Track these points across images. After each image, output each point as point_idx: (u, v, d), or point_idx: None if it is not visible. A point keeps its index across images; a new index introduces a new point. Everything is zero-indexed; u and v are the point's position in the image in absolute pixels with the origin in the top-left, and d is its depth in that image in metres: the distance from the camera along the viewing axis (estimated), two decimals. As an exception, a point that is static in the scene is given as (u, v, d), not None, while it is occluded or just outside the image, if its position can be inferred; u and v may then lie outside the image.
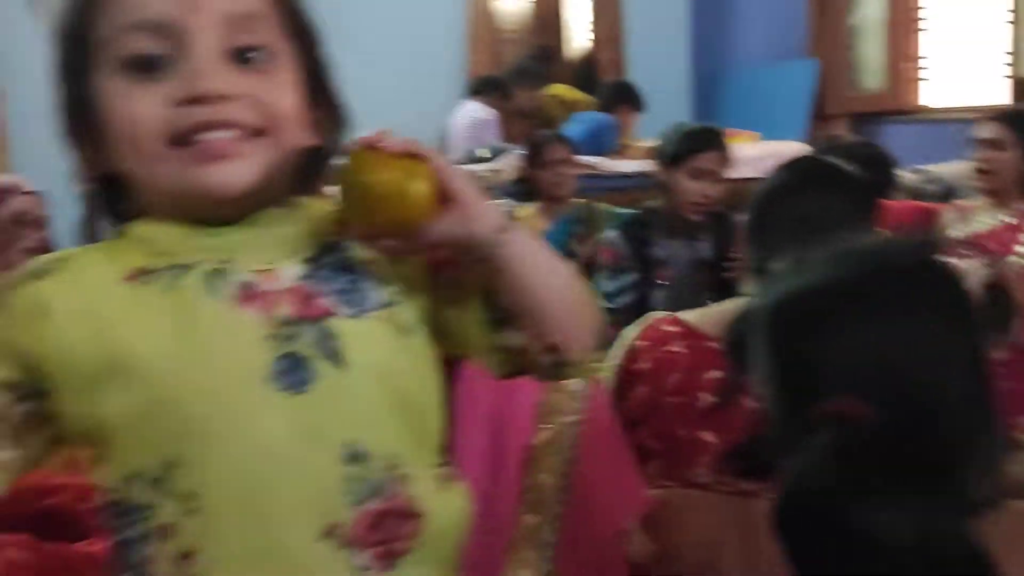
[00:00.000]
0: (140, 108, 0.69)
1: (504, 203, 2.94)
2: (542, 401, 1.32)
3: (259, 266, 0.73)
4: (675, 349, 1.39)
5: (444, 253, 0.76)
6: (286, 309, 0.72)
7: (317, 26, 0.77)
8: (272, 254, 0.74)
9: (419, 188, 0.70)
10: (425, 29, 4.80)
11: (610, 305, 2.60)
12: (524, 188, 3.18)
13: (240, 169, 0.70)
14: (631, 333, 1.50)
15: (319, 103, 0.77)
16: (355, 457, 0.72)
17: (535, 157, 3.11)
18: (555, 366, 0.79)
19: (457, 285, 0.78)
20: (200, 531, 0.70)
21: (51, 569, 1.73)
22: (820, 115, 4.59)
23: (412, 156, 0.71)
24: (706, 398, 1.34)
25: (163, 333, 0.70)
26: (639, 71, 4.99)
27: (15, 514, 1.91)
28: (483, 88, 4.22)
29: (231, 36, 0.70)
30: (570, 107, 4.44)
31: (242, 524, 0.70)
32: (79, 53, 0.72)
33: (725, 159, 2.56)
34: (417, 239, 0.72)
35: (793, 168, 1.52)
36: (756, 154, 3.69)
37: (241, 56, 0.71)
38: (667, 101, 4.61)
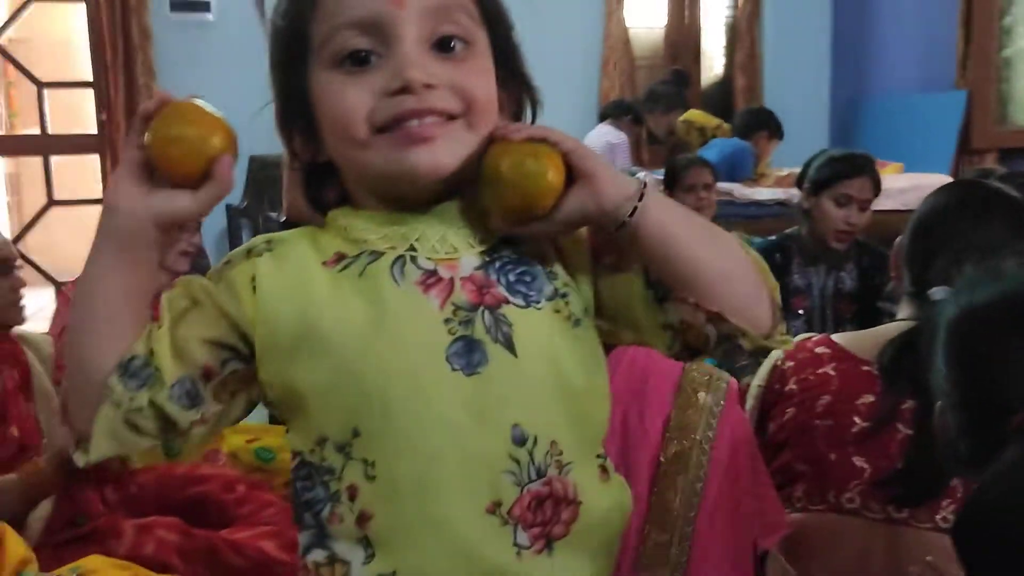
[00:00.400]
0: (352, 99, 0.74)
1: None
2: (672, 416, 1.30)
3: (442, 255, 0.77)
4: (826, 371, 1.37)
5: (584, 230, 0.81)
6: (464, 296, 0.76)
7: (506, 13, 0.81)
8: (454, 244, 0.78)
9: (542, 168, 0.73)
10: (562, 53, 4.86)
11: (743, 332, 2.57)
12: None
13: (444, 150, 0.74)
14: (777, 354, 1.48)
15: (509, 87, 0.81)
16: (522, 439, 0.75)
17: (676, 180, 3.10)
18: (726, 339, 0.78)
19: (617, 267, 0.80)
20: (377, 496, 0.74)
21: (197, 551, 1.82)
22: (967, 148, 4.43)
23: (537, 140, 0.74)
24: (858, 422, 1.31)
25: (355, 313, 0.75)
26: (776, 98, 4.92)
27: (167, 499, 2.03)
28: (615, 112, 4.23)
29: (433, 27, 0.74)
30: (704, 132, 4.41)
31: (414, 493, 0.74)
32: (296, 50, 0.78)
33: (874, 187, 2.49)
34: (552, 218, 0.75)
35: (953, 191, 1.48)
36: (900, 186, 3.59)
37: (443, 45, 0.75)
38: (805, 129, 4.53)
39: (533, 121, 0.83)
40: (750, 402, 1.44)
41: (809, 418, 1.34)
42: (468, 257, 0.78)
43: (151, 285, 0.77)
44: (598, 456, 0.82)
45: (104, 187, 4.36)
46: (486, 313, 0.76)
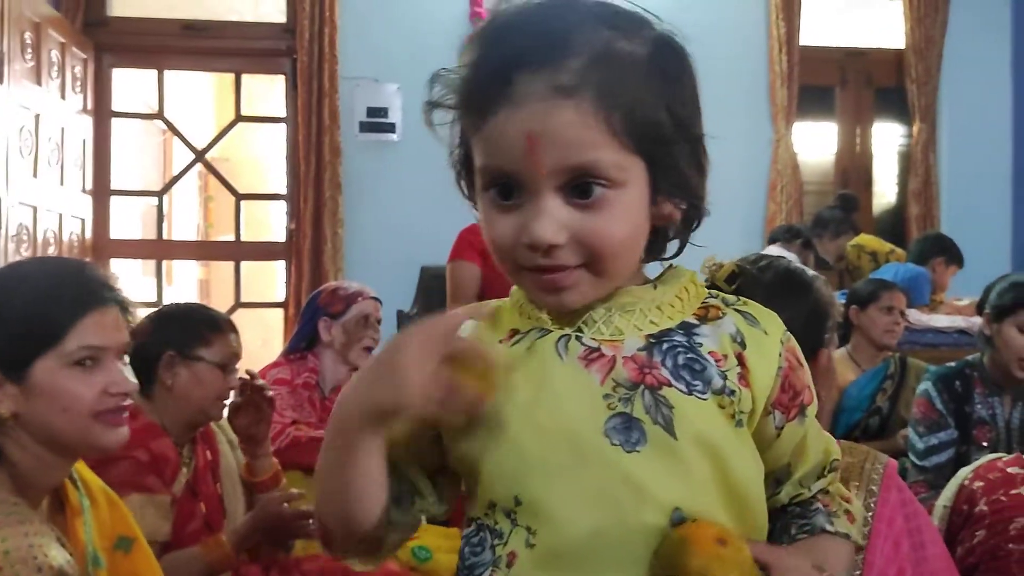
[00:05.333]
0: (498, 232, 0.79)
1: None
2: None
3: (607, 336, 0.80)
4: (1020, 492, 1.30)
5: (776, 382, 0.83)
6: (625, 373, 0.78)
7: (673, 125, 0.78)
8: (620, 327, 0.80)
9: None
10: (729, 176, 4.90)
11: (921, 463, 2.45)
12: (839, 333, 3.10)
13: (573, 296, 0.79)
14: (965, 473, 1.43)
15: (677, 198, 0.81)
16: (682, 523, 0.76)
17: (872, 300, 3.05)
18: None
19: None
20: (534, 564, 0.77)
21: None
22: None
23: (724, 542, 0.74)
24: (1057, 547, 1.23)
25: (521, 386, 0.79)
26: (954, 227, 4.77)
27: None
28: (786, 236, 4.20)
29: (570, 180, 0.75)
30: (876, 258, 4.30)
31: (572, 564, 0.76)
32: (463, 169, 0.85)
33: (1060, 313, 2.36)
34: None
35: None
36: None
37: (580, 191, 0.75)
38: (984, 260, 4.35)
39: (693, 228, 0.85)
40: (935, 523, 1.37)
41: (1002, 541, 1.27)
42: (632, 339, 0.80)
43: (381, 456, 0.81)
44: None
45: (288, 292, 4.65)
46: (647, 393, 0.77)
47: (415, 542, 2.43)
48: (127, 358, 1.39)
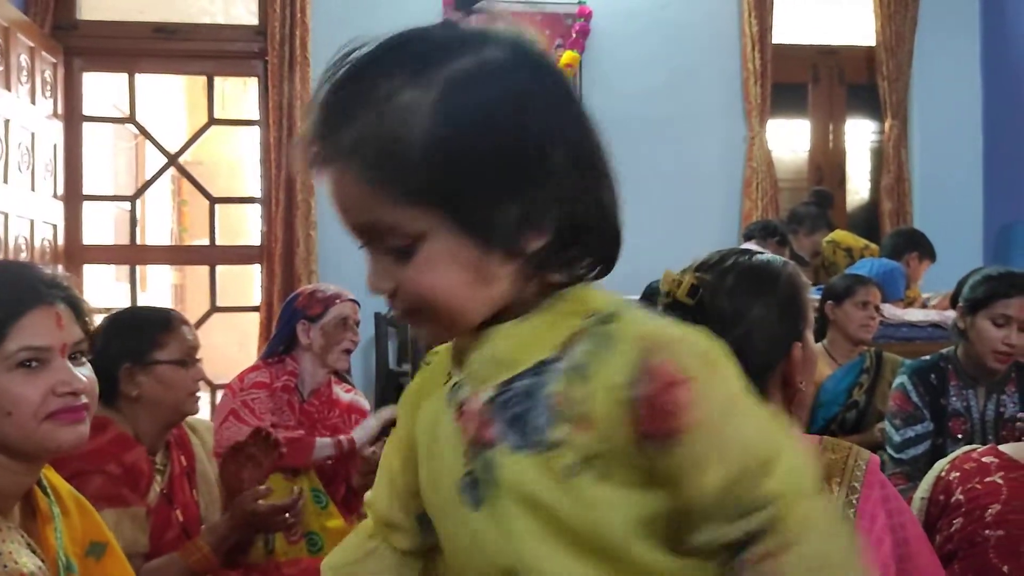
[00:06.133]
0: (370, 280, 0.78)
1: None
2: None
3: (476, 385, 0.78)
4: (994, 480, 1.32)
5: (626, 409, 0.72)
6: (472, 431, 0.77)
7: (468, 164, 0.71)
8: (486, 374, 0.77)
9: None
10: (704, 174, 4.94)
11: (898, 455, 2.47)
12: (815, 327, 3.13)
13: (430, 336, 0.81)
14: (942, 465, 1.44)
15: (515, 230, 0.73)
16: None
17: (848, 295, 3.09)
18: None
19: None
20: None
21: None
22: None
23: None
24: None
25: (428, 433, 0.83)
26: (926, 222, 4.82)
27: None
28: (762, 233, 4.22)
29: (373, 239, 0.74)
30: (851, 253, 4.33)
31: None
32: None
33: (1035, 306, 2.39)
34: None
35: None
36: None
37: (394, 250, 0.73)
38: (957, 254, 4.39)
39: (584, 238, 0.76)
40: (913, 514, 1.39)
41: (979, 528, 1.29)
42: (486, 389, 0.76)
43: None
44: None
45: (262, 296, 4.62)
46: (482, 451, 0.75)
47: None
48: (86, 358, 1.36)
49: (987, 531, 1.28)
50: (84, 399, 1.30)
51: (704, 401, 0.69)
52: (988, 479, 1.32)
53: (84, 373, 1.33)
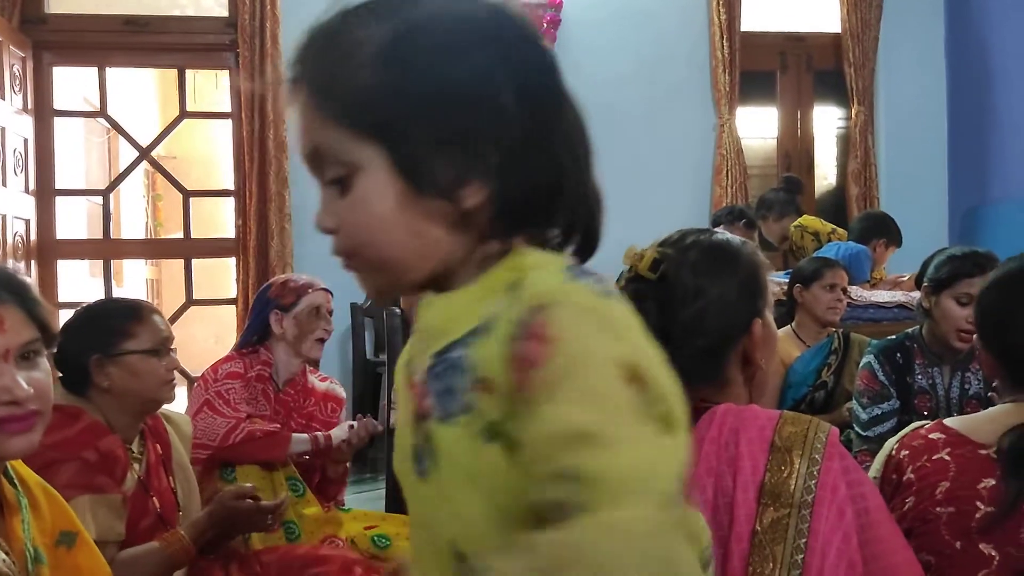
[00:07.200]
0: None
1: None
2: (766, 481, 1.14)
3: (419, 356, 0.78)
4: (942, 457, 1.34)
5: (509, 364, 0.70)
6: (415, 402, 0.77)
7: (410, 107, 0.71)
8: (425, 345, 0.77)
9: None
10: (675, 161, 4.98)
11: (865, 433, 2.52)
12: (784, 310, 3.18)
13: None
14: (891, 444, 1.45)
15: (450, 176, 0.72)
16: (459, 556, 0.72)
17: (815, 278, 3.14)
18: None
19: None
20: None
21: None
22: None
23: None
24: (981, 507, 1.28)
25: (399, 406, 0.83)
26: (892, 207, 4.88)
27: (288, 578, 2.10)
28: (728, 218, 4.26)
29: (321, 169, 0.75)
30: (819, 238, 4.39)
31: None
32: None
33: (996, 284, 2.44)
34: None
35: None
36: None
37: (339, 182, 0.74)
38: (922, 237, 4.46)
39: (523, 197, 0.74)
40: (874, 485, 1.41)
41: (929, 506, 1.31)
42: (425, 360, 0.75)
43: None
44: None
45: (238, 288, 4.62)
46: (422, 424, 0.75)
47: (375, 531, 2.45)
48: (42, 356, 1.29)
49: (938, 508, 1.29)
50: (33, 405, 1.23)
51: (558, 361, 0.64)
52: (936, 456, 1.34)
53: (35, 375, 1.25)
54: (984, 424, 1.37)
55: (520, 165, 0.72)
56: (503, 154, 0.72)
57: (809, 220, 4.53)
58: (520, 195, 0.73)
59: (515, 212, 0.74)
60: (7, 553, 1.21)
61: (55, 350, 1.87)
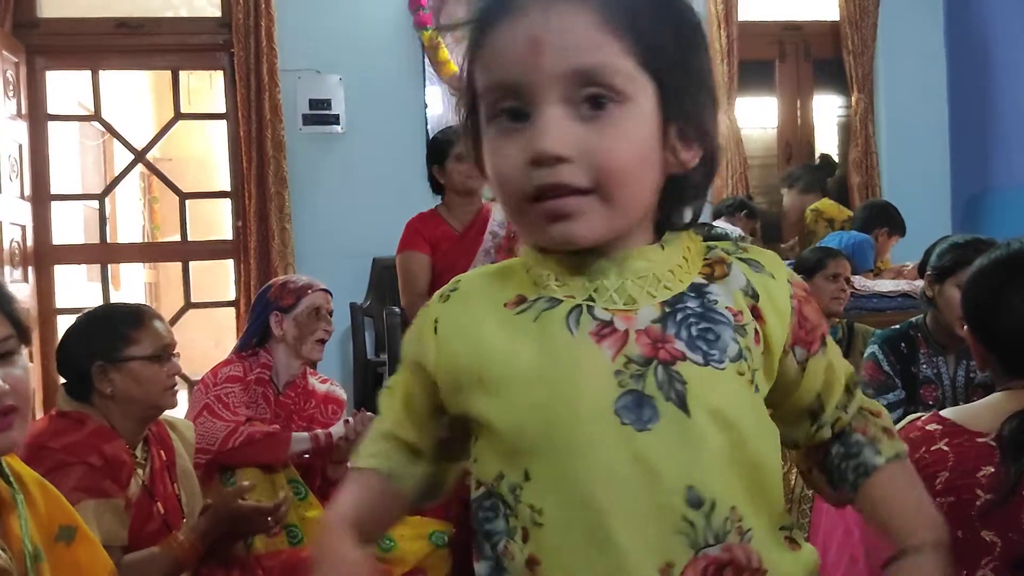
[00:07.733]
0: (505, 166, 0.75)
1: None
2: None
3: (620, 306, 0.77)
4: (940, 447, 1.33)
5: (791, 311, 0.84)
6: (638, 349, 0.75)
7: (682, 52, 0.77)
8: (633, 295, 0.77)
9: None
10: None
11: (870, 424, 2.49)
12: None
13: (580, 228, 0.74)
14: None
15: (690, 136, 0.78)
16: (698, 502, 0.73)
17: (818, 268, 3.12)
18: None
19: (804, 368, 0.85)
20: (544, 544, 0.74)
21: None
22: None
23: None
24: (981, 495, 1.27)
25: (524, 359, 0.76)
26: (895, 195, 4.85)
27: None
28: (730, 209, 4.25)
29: (576, 89, 0.72)
30: (832, 224, 4.38)
31: (583, 546, 0.73)
32: (471, 105, 0.80)
33: (1002, 272, 2.41)
34: None
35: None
36: (1031, 276, 3.45)
37: (594, 103, 0.73)
38: (925, 226, 4.43)
39: (708, 177, 0.82)
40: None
41: (930, 497, 1.30)
42: (647, 309, 0.77)
43: None
44: (782, 528, 0.79)
45: (238, 290, 4.60)
46: (659, 368, 0.74)
47: (377, 532, 2.43)
48: (18, 354, 1.29)
49: (939, 499, 1.28)
50: (9, 400, 1.24)
51: (821, 318, 0.85)
52: (934, 447, 1.33)
53: (13, 372, 1.26)
54: (981, 412, 1.36)
55: (716, 143, 0.80)
56: (714, 129, 0.79)
57: (827, 205, 4.52)
58: (712, 169, 0.81)
59: (701, 185, 0.82)
60: (5, 550, 1.21)
61: (57, 359, 1.87)
